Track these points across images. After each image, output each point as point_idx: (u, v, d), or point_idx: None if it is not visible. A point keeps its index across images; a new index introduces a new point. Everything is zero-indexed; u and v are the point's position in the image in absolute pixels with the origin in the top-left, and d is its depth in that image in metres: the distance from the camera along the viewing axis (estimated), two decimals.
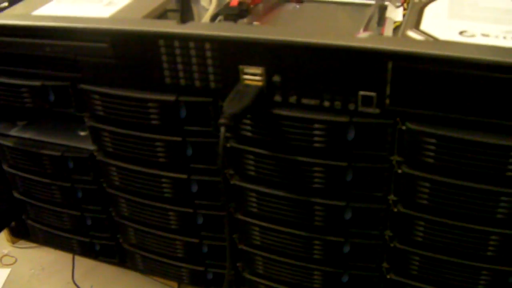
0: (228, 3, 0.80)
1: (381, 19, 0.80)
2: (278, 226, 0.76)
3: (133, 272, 1.01)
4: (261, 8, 0.87)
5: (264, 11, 0.88)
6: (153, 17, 0.80)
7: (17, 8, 0.82)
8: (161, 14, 0.84)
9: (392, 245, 0.73)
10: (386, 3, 0.83)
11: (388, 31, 0.75)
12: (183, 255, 0.86)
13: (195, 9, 0.88)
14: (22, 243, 1.20)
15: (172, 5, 0.86)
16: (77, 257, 1.10)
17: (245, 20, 0.80)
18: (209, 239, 0.83)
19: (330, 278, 0.78)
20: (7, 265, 1.21)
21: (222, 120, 0.61)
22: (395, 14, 0.80)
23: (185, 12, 0.85)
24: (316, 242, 0.75)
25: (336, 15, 0.87)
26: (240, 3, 0.79)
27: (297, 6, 0.90)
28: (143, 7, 0.80)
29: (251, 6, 0.83)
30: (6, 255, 1.23)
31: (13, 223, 1.05)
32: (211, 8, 0.83)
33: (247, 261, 0.83)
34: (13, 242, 1.21)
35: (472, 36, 0.65)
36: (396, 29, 0.74)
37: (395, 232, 0.72)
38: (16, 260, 1.22)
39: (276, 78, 0.65)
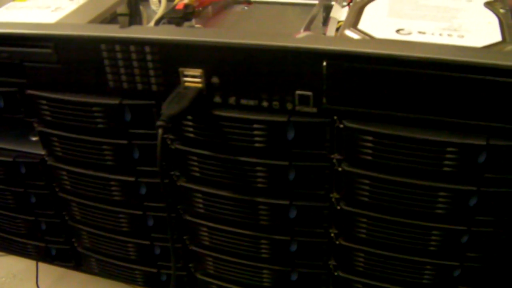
0: (174, 6, 0.81)
1: (327, 19, 0.81)
2: (226, 226, 0.77)
3: (105, 280, 1.01)
4: (210, 10, 0.88)
5: (213, 13, 0.88)
6: (101, 21, 0.81)
7: None
8: (111, 19, 0.85)
9: (337, 242, 0.73)
10: (332, 3, 0.84)
11: (331, 30, 0.76)
12: (135, 257, 0.86)
13: (145, 13, 0.89)
14: None
15: (122, 9, 0.87)
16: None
17: (190, 23, 0.80)
18: (160, 241, 0.83)
19: (279, 276, 0.79)
20: None
21: (159, 122, 0.62)
22: (340, 13, 0.81)
23: (134, 16, 0.85)
24: (263, 241, 0.76)
25: (284, 16, 0.88)
26: (185, 6, 0.80)
27: (246, 7, 0.91)
28: (91, 12, 0.81)
29: (199, 9, 0.84)
30: None
31: None
32: (159, 12, 0.84)
33: (198, 262, 0.83)
34: None
35: (409, 33, 0.66)
36: (339, 28, 0.75)
37: (340, 229, 0.73)
38: None
39: (215, 80, 0.66)
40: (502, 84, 0.56)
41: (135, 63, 0.68)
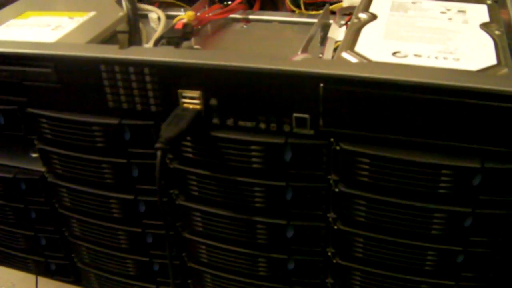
0: (173, 25, 0.82)
1: (324, 38, 0.82)
2: (224, 244, 0.77)
3: None
4: (209, 29, 0.89)
5: (212, 31, 0.89)
6: (101, 39, 0.82)
7: None
8: (111, 36, 0.85)
9: (334, 261, 0.74)
10: (330, 21, 0.85)
11: (328, 51, 0.77)
12: (134, 273, 0.87)
13: (144, 30, 0.90)
14: None
15: (122, 26, 0.88)
16: None
17: (189, 42, 0.81)
18: (159, 258, 0.84)
19: None
20: None
21: (158, 145, 0.63)
22: (338, 33, 0.82)
23: (134, 34, 0.86)
24: (261, 259, 0.76)
25: (282, 34, 0.89)
26: (184, 25, 0.81)
27: (245, 26, 0.92)
28: (90, 30, 0.81)
29: (198, 27, 0.85)
30: None
31: None
32: (158, 31, 0.85)
33: (197, 279, 0.84)
34: None
35: (405, 56, 0.66)
36: (336, 49, 0.76)
37: (337, 248, 0.73)
38: None
39: (213, 102, 0.66)
40: (496, 109, 0.57)
41: (134, 84, 0.69)
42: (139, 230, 0.81)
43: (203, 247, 0.79)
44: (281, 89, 0.63)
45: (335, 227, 0.71)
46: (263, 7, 0.98)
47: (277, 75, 0.63)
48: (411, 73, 0.60)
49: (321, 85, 0.61)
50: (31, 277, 1.14)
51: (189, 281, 0.86)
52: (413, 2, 0.81)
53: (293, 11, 0.94)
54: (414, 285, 0.71)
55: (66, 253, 0.93)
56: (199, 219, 0.76)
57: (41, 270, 0.97)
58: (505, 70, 0.63)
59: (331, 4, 0.90)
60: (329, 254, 0.74)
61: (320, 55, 0.77)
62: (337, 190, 0.68)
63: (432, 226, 0.66)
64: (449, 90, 0.58)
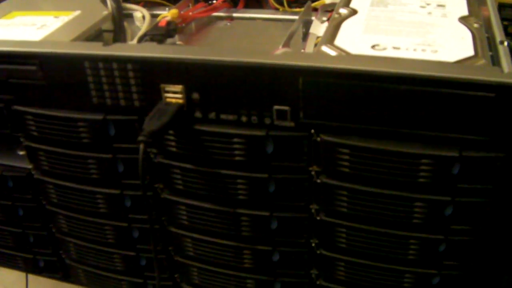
0: (157, 23, 0.83)
1: (307, 34, 0.83)
2: (209, 237, 0.78)
3: None
4: (193, 27, 0.90)
5: (196, 29, 0.90)
6: (86, 37, 0.83)
7: None
8: (96, 34, 0.86)
9: (318, 252, 0.75)
10: (312, 18, 0.86)
11: (309, 46, 0.78)
12: (122, 268, 0.88)
13: (129, 29, 0.91)
14: None
15: (107, 25, 0.89)
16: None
17: (173, 39, 0.82)
18: (145, 252, 0.85)
19: (262, 286, 0.80)
20: None
21: (140, 138, 0.63)
22: (320, 29, 0.83)
23: (118, 33, 0.87)
24: (246, 251, 0.77)
25: (266, 31, 0.90)
26: (168, 23, 0.82)
27: (228, 23, 0.93)
28: (75, 29, 0.82)
29: (182, 25, 0.86)
30: None
31: None
32: (142, 29, 0.86)
33: (183, 272, 0.85)
34: None
35: (384, 49, 0.67)
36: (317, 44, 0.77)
37: (320, 239, 0.74)
38: None
39: (195, 96, 0.67)
40: (472, 98, 0.58)
41: (117, 80, 0.70)
42: (125, 224, 0.82)
43: (189, 240, 0.80)
44: (261, 82, 0.64)
45: (318, 218, 0.72)
46: (247, 5, 0.99)
47: (257, 68, 0.64)
48: (389, 65, 0.61)
49: (300, 77, 0.62)
50: (22, 279, 1.15)
51: (176, 275, 0.87)
52: None
53: (276, 9, 0.95)
54: (397, 275, 0.72)
55: (54, 249, 0.93)
56: (184, 212, 0.77)
57: (30, 267, 0.97)
58: (482, 61, 0.64)
59: (314, 1, 0.91)
60: (313, 245, 0.75)
61: (302, 50, 0.78)
62: (319, 181, 0.69)
63: (414, 215, 0.67)
64: (426, 80, 0.59)
